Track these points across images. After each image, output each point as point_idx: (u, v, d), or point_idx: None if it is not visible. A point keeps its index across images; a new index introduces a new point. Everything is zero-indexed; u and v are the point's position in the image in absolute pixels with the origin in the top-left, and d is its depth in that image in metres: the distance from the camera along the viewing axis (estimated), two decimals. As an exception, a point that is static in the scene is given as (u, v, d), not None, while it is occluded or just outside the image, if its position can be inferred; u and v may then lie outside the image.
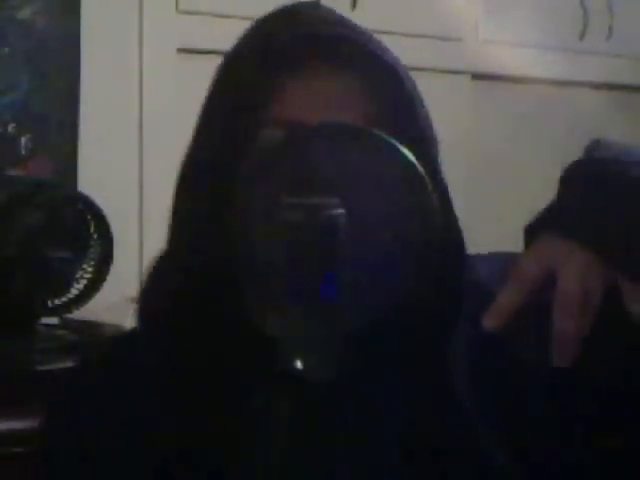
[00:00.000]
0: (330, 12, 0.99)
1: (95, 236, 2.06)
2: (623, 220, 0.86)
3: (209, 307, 0.91)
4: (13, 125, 2.25)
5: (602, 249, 0.85)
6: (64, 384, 1.06)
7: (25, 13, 2.26)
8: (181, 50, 2.45)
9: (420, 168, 0.83)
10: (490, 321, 0.86)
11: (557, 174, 1.03)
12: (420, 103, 0.95)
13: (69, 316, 2.10)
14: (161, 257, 1.01)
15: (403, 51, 1.00)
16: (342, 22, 0.97)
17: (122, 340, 1.09)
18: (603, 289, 0.84)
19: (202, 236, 0.92)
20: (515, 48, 2.98)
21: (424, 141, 0.95)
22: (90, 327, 2.06)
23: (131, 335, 1.05)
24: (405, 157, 0.83)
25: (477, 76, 2.95)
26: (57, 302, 2.06)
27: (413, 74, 1.00)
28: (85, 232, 2.06)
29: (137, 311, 1.02)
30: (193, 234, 0.94)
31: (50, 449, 1.00)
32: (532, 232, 0.90)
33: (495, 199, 2.97)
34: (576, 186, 0.92)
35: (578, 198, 0.90)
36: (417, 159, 0.85)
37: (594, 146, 0.96)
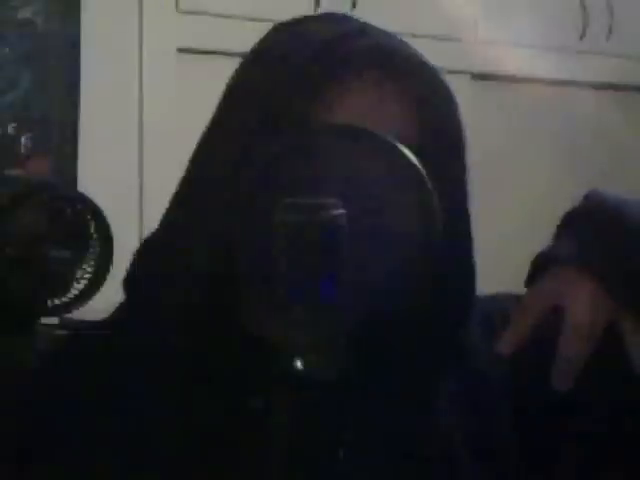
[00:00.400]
0: (369, 24, 0.99)
1: (95, 236, 2.06)
2: (630, 257, 0.88)
3: (210, 308, 0.91)
4: (13, 125, 2.25)
5: (610, 282, 0.88)
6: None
7: (25, 13, 2.26)
8: (181, 50, 2.45)
9: (422, 169, 0.83)
10: (503, 347, 0.88)
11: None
12: (459, 113, 0.97)
13: (69, 316, 2.10)
14: (158, 247, 1.00)
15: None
16: (388, 34, 0.97)
17: (106, 330, 1.06)
18: (607, 321, 0.86)
19: (204, 236, 0.92)
20: (515, 48, 2.98)
21: (465, 151, 0.97)
22: (90, 327, 2.05)
23: (117, 325, 1.04)
24: (406, 158, 0.83)
25: (477, 76, 2.95)
26: (57, 302, 2.06)
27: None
28: (85, 232, 2.06)
29: (131, 300, 1.01)
30: (194, 234, 0.94)
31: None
32: (540, 264, 0.92)
33: (494, 199, 2.97)
34: (580, 223, 0.94)
35: (584, 233, 0.92)
36: (461, 170, 0.90)
37: (590, 196, 0.98)
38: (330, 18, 0.99)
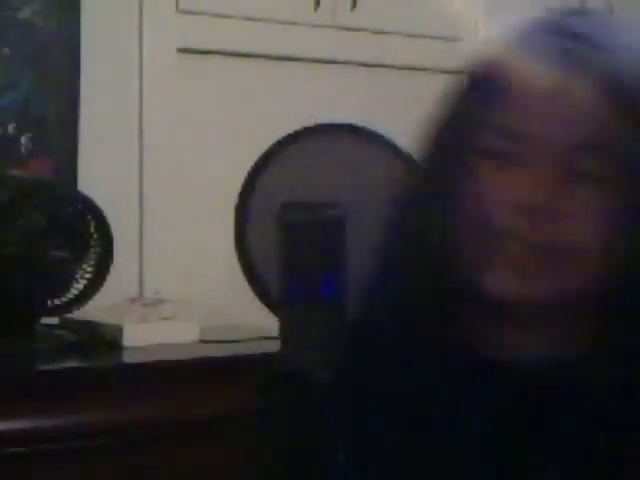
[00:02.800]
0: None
1: (95, 236, 2.07)
2: None
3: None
4: (13, 125, 2.25)
5: None
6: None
7: (25, 13, 2.26)
8: (181, 50, 2.45)
9: (424, 170, 0.83)
10: None
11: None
12: None
13: (69, 316, 2.10)
14: None
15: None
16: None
17: None
18: None
19: None
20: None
21: None
22: (90, 327, 2.06)
23: None
24: (406, 158, 0.83)
25: (477, 76, 2.95)
26: (57, 302, 2.06)
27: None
28: (85, 232, 2.06)
29: None
30: None
31: None
32: None
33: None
34: None
35: None
36: None
37: None
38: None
